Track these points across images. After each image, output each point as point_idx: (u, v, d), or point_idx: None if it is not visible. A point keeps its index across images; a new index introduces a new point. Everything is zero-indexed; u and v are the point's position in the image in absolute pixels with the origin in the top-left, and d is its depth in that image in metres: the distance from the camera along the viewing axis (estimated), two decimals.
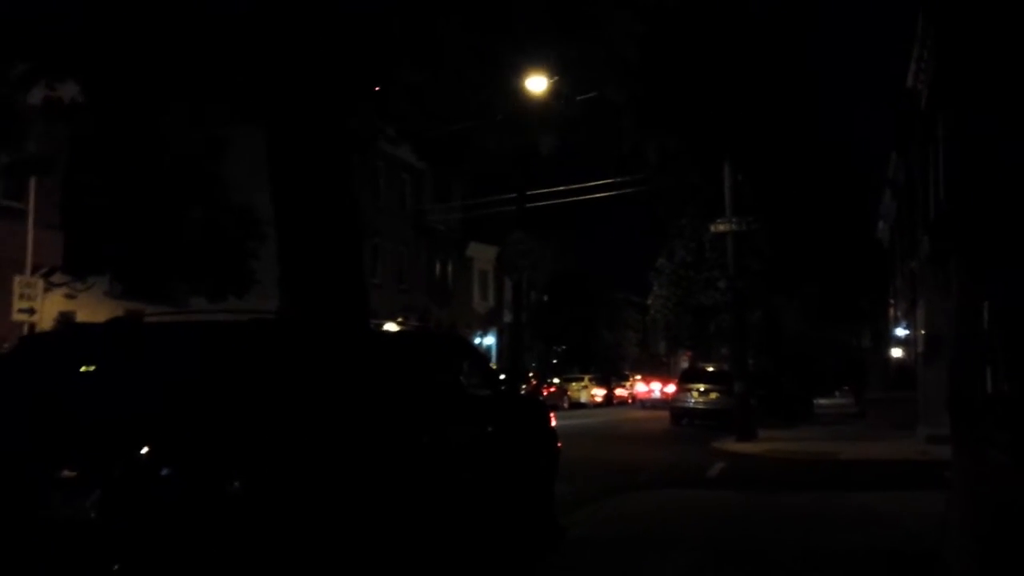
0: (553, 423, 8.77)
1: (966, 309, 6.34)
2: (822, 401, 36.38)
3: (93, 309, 21.61)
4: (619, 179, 19.83)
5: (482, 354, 8.21)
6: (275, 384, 4.85)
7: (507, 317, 50.58)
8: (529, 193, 22.32)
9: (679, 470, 13.61)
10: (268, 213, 31.25)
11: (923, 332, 19.85)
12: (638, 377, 55.88)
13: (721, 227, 18.75)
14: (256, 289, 27.68)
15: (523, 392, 28.70)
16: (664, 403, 32.60)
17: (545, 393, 34.61)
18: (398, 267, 38.24)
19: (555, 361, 50.32)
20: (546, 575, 6.36)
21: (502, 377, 8.18)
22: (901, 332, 31.04)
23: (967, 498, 5.47)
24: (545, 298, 52.12)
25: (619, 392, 47.16)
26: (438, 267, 42.93)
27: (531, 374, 36.66)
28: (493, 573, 6.50)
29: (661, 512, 8.78)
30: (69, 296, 22.80)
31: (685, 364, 39.34)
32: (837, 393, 46.92)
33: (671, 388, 32.60)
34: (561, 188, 21.10)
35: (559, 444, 8.79)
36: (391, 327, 31.79)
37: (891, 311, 37.05)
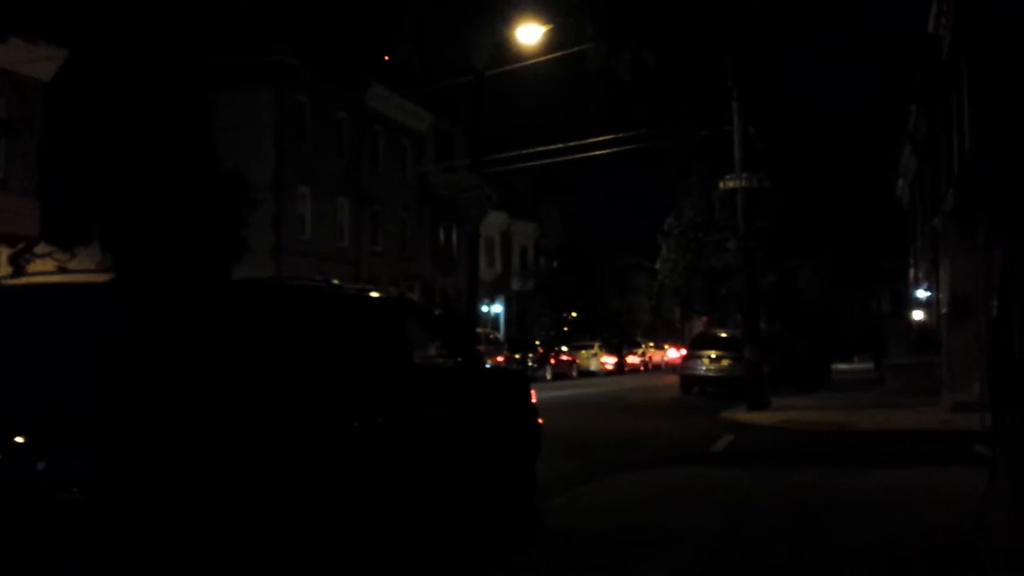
0: (534, 399, 7.78)
1: (1008, 263, 5.27)
2: (840, 366, 35.33)
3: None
4: (620, 135, 18.67)
5: (448, 321, 7.08)
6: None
7: (515, 284, 49.64)
8: (526, 152, 21.40)
9: (683, 444, 12.63)
10: (256, 178, 30.16)
11: (947, 294, 18.66)
12: (651, 344, 54.92)
13: (731, 183, 17.58)
14: (247, 258, 26.96)
15: (504, 363, 28.11)
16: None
17: (552, 362, 33.70)
18: (400, 235, 37.19)
19: (565, 329, 49.32)
20: None
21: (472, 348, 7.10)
22: (922, 294, 29.81)
23: (1018, 489, 4.40)
24: (555, 264, 51.03)
25: (631, 360, 46.24)
26: (442, 234, 41.86)
27: (538, 342, 35.68)
28: None
29: (654, 498, 7.80)
30: (61, 268, 21.99)
31: (701, 330, 38.24)
32: (856, 358, 45.83)
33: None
34: (559, 145, 19.96)
35: (540, 421, 7.82)
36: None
37: (911, 272, 35.75)
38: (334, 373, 4.84)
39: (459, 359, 6.67)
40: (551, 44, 17.63)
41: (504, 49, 18.75)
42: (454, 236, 43.20)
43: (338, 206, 34.21)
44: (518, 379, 7.93)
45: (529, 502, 7.21)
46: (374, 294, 6.25)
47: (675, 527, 6.30)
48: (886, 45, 51.69)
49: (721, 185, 18.28)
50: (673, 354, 48.79)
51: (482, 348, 28.39)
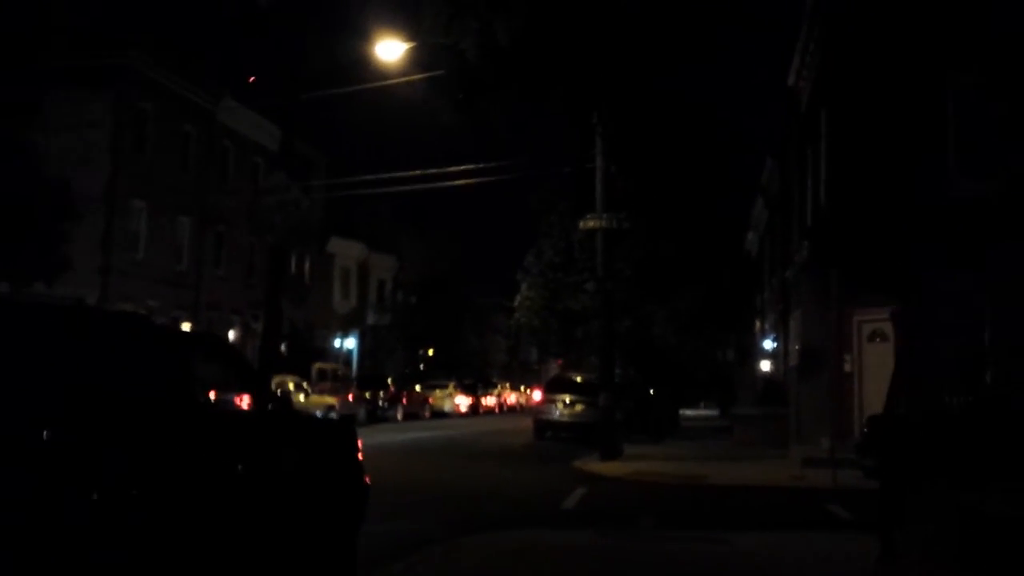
0: (360, 456, 6.57)
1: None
2: (687, 412, 35.72)
3: None
4: (484, 164, 17.89)
5: (242, 360, 5.68)
6: None
7: (371, 318, 47.89)
8: (385, 177, 20.25)
9: (533, 499, 11.66)
10: (86, 189, 27.38)
11: (797, 346, 18.75)
12: (507, 385, 54.28)
13: (591, 223, 17.03)
14: (69, 277, 24.33)
15: (352, 402, 26.30)
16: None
17: (404, 402, 32.25)
18: (246, 260, 34.91)
19: (421, 366, 47.92)
20: None
21: (274, 392, 5.77)
22: (769, 345, 30.47)
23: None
24: (413, 299, 49.70)
25: (487, 401, 45.30)
26: (294, 262, 39.78)
27: (390, 380, 34.15)
28: None
29: (496, 570, 6.72)
30: None
31: (556, 373, 37.86)
32: (702, 404, 46.82)
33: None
34: (417, 172, 18.98)
35: (367, 480, 6.63)
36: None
37: (757, 323, 36.75)
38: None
39: (266, 405, 5.40)
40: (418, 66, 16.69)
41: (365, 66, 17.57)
42: (307, 264, 41.20)
43: (179, 225, 31.75)
44: (341, 430, 6.66)
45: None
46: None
47: None
48: (747, 96, 53.94)
49: (581, 224, 17.72)
50: (536, 396, 48.21)
51: (327, 385, 26.71)
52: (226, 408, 4.99)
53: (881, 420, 4.38)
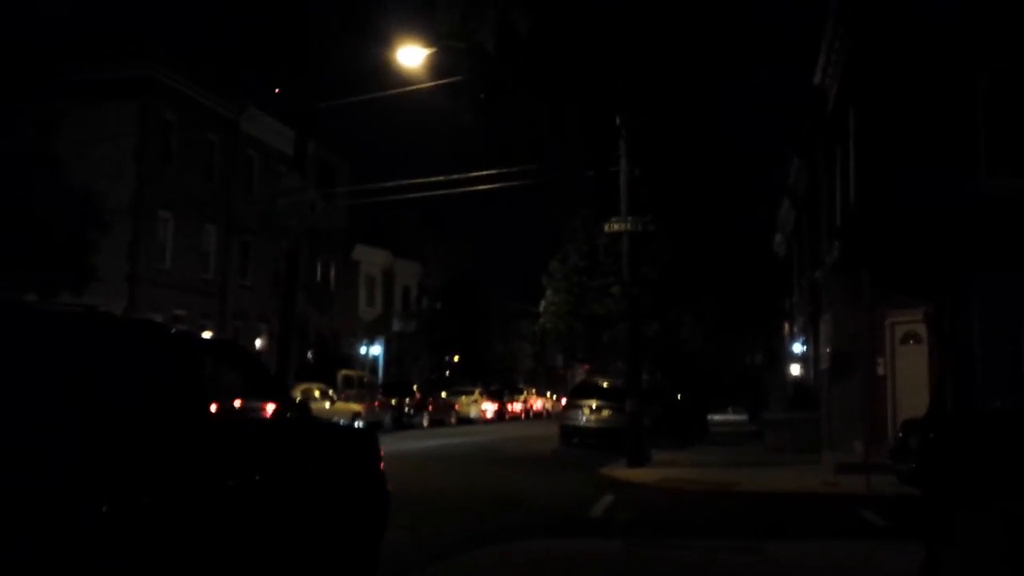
0: (382, 464, 6.45)
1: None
2: (715, 417, 35.30)
3: None
4: (506, 170, 17.74)
5: (258, 366, 5.56)
6: None
7: (396, 325, 47.91)
8: (407, 183, 20.19)
9: (559, 506, 11.47)
10: (113, 200, 27.50)
11: (827, 349, 18.39)
12: (533, 390, 54.06)
13: (616, 226, 16.82)
14: (96, 287, 24.51)
15: (379, 409, 26.12)
16: None
17: (431, 408, 32.18)
18: (272, 268, 35.02)
19: (447, 373, 47.84)
20: None
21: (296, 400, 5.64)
22: (798, 348, 30.01)
23: None
24: (438, 305, 49.66)
25: (513, 407, 45.14)
26: (320, 269, 39.91)
27: (415, 386, 34.09)
28: None
29: None
30: None
31: (582, 378, 37.63)
32: (730, 409, 46.30)
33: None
34: (439, 178, 18.88)
35: (389, 488, 6.52)
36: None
37: (786, 326, 36.25)
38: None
39: (287, 413, 5.29)
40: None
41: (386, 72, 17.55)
42: (332, 271, 41.31)
43: (205, 234, 31.95)
44: (362, 438, 6.54)
45: None
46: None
47: None
48: (774, 95, 53.39)
49: (606, 228, 17.51)
50: (563, 402, 48.06)
51: (353, 392, 26.68)
52: (243, 416, 4.86)
53: (923, 425, 4.16)
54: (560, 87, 12.05)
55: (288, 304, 12.90)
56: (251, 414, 5.43)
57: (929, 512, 3.96)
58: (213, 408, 4.44)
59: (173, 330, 5.25)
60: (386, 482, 6.50)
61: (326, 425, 7.77)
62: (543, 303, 29.57)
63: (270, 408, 4.89)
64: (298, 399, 6.74)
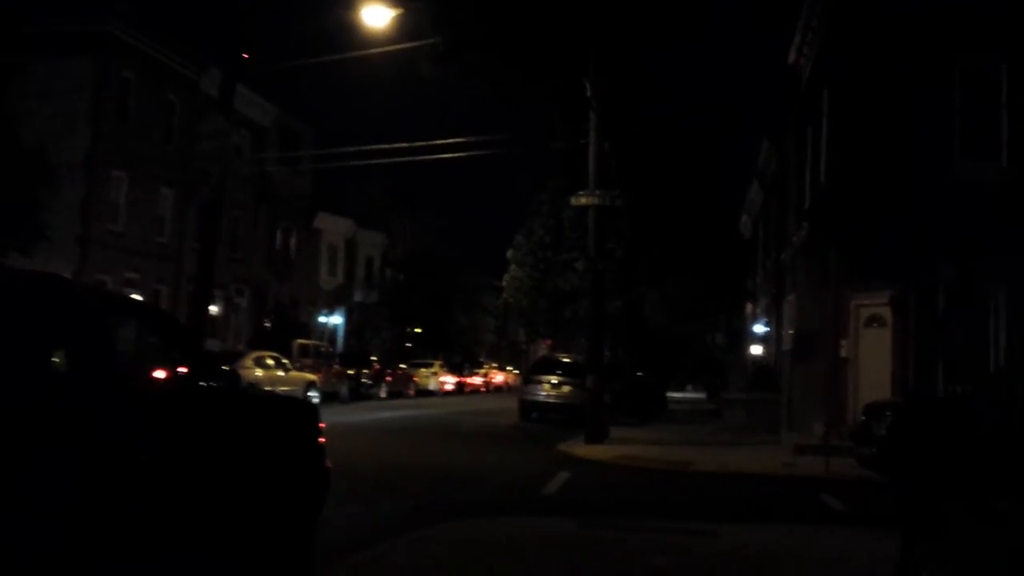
0: (322, 439, 6.05)
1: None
2: (675, 395, 35.34)
3: None
4: (474, 138, 17.25)
5: (179, 329, 5.08)
6: None
7: (358, 296, 47.26)
8: (372, 148, 19.61)
9: (514, 483, 11.17)
10: (65, 157, 26.33)
11: (791, 330, 18.29)
12: (494, 365, 53.88)
13: (584, 200, 16.46)
14: (46, 248, 23.63)
15: (335, 379, 25.54)
16: None
17: (389, 379, 31.75)
18: (231, 234, 34.20)
19: (408, 344, 47.39)
20: None
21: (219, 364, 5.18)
22: (760, 329, 30.04)
23: None
24: (401, 277, 49.07)
25: (473, 380, 44.92)
26: (279, 237, 39.12)
27: (374, 358, 33.62)
28: None
29: (467, 560, 6.23)
30: None
31: (543, 354, 37.45)
32: (689, 387, 46.51)
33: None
34: (405, 145, 18.31)
35: (328, 464, 6.13)
36: None
37: (748, 307, 36.31)
38: None
39: (212, 382, 4.86)
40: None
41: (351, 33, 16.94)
42: (293, 239, 40.53)
43: (161, 197, 31.02)
44: (299, 411, 6.12)
45: (305, 571, 5.54)
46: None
47: None
48: (744, 75, 53.23)
49: (573, 201, 17.15)
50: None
51: (309, 361, 26.15)
52: (157, 384, 4.43)
53: (900, 411, 3.89)
54: (526, 50, 11.58)
55: (205, 262, 12.03)
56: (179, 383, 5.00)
57: (907, 503, 3.71)
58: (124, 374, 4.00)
59: (77, 287, 4.77)
60: (325, 458, 6.11)
61: (255, 396, 7.33)
62: (507, 277, 29.20)
63: (188, 376, 4.45)
64: (236, 367, 6.28)
